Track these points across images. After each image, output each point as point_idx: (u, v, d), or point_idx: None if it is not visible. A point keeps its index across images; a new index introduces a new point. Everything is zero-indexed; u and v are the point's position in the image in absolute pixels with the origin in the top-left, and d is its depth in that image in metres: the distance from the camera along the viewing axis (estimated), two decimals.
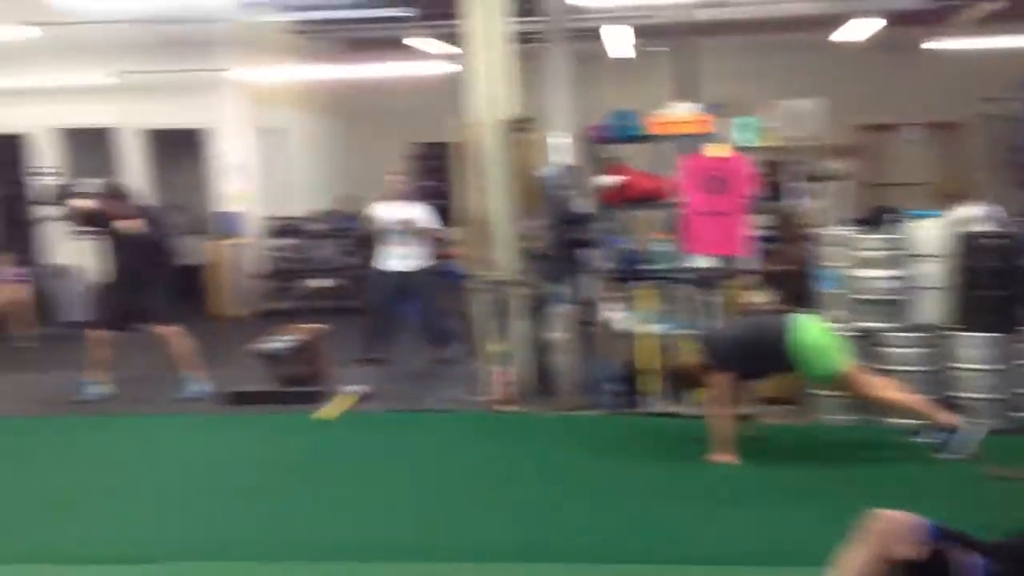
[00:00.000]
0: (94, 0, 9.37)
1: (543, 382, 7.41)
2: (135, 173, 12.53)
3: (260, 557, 4.76)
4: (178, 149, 12.68)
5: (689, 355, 6.36)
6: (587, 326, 7.55)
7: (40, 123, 12.53)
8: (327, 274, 12.18)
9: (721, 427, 5.93)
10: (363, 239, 9.62)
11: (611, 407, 6.98)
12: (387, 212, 8.60)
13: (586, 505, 5.36)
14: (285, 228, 12.61)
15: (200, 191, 12.75)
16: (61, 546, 4.96)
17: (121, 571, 4.67)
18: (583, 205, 7.90)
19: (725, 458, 5.88)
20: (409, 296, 8.59)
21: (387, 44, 13.86)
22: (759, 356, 5.95)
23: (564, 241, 7.75)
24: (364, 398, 7.65)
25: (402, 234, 8.49)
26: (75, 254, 11.95)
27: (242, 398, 7.61)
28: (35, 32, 10.19)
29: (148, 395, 8.07)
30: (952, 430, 5.78)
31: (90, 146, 12.94)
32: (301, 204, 13.36)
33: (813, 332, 5.92)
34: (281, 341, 8.00)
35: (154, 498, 5.71)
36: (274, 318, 10.91)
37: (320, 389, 7.79)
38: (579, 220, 7.82)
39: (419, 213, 8.65)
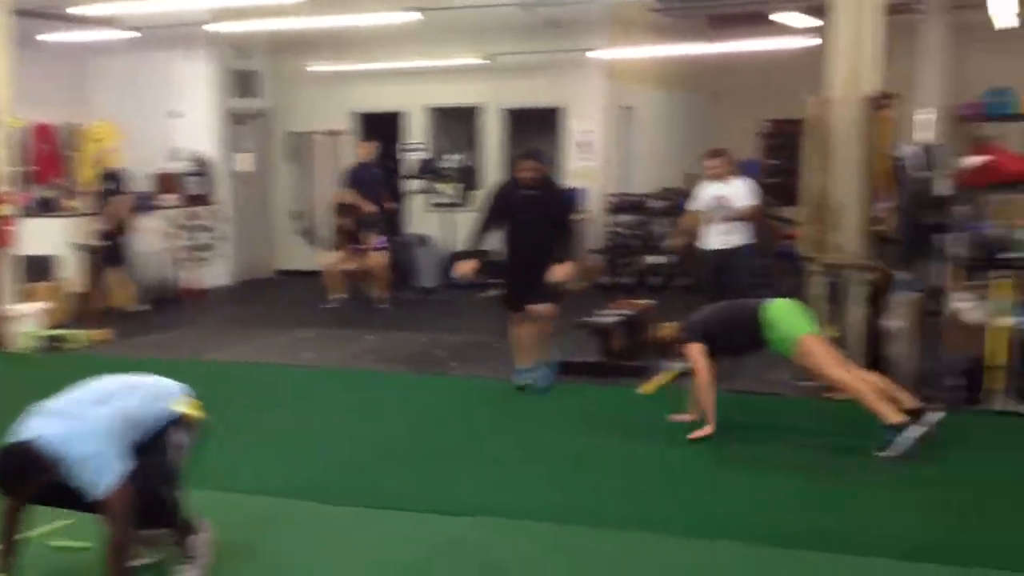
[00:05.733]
0: None
1: (877, 372, 6.97)
2: (493, 150, 13.22)
3: (596, 524, 4.87)
4: (533, 127, 13.18)
5: (664, 328, 6.61)
6: (932, 316, 7.03)
7: (413, 102, 13.53)
8: (663, 251, 12.16)
9: (708, 399, 6.11)
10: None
11: (950, 403, 6.42)
12: (707, 191, 8.44)
13: (910, 499, 5.13)
14: (627, 204, 12.73)
15: (551, 168, 13.15)
16: (404, 495, 5.31)
17: (439, 521, 4.93)
18: (942, 187, 7.36)
19: (706, 431, 6.05)
20: (729, 275, 8.38)
21: (749, 19, 13.57)
22: (736, 333, 6.18)
23: (916, 225, 7.26)
24: (686, 375, 7.57)
25: (720, 212, 8.29)
26: (434, 225, 12.86)
27: (569, 368, 7.78)
28: (416, 16, 10.96)
29: (483, 358, 8.52)
30: (899, 428, 5.63)
31: (454, 123, 13.80)
32: (646, 181, 13.45)
33: (780, 308, 6.11)
34: (610, 315, 8.11)
35: (476, 457, 6.03)
36: (611, 293, 11.11)
37: (645, 364, 7.81)
38: (935, 203, 7.31)
39: (738, 191, 8.40)
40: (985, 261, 6.89)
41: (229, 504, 4.93)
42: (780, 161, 12.98)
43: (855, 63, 7.25)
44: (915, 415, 5.77)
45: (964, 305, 6.81)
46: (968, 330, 6.74)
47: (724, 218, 8.33)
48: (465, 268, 7.31)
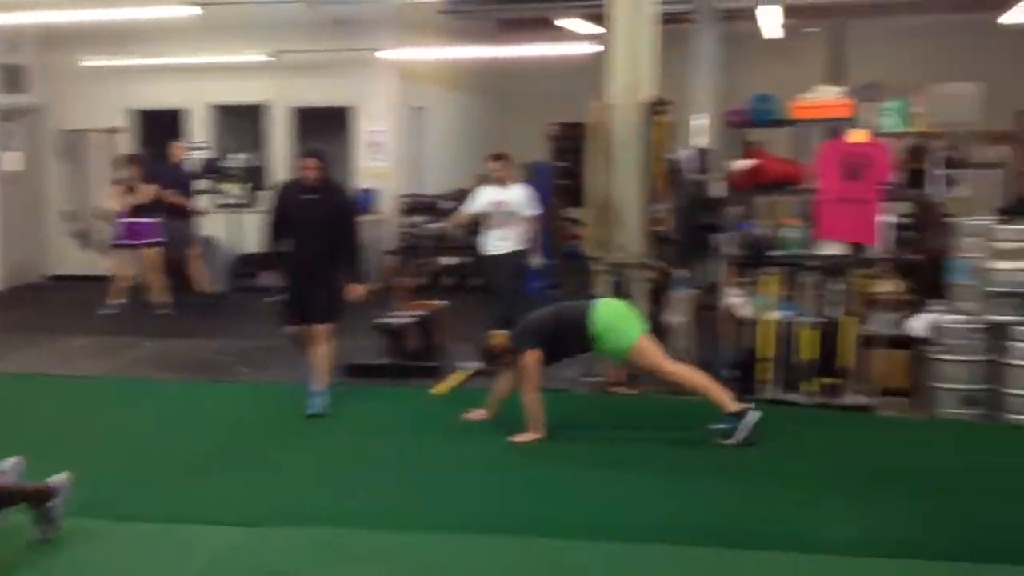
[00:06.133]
0: None
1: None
2: (281, 149, 12.96)
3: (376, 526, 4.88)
4: (323, 126, 13.00)
5: (495, 337, 6.45)
6: (709, 311, 7.40)
7: (196, 99, 13.08)
8: (456, 252, 12.24)
9: (537, 406, 6.12)
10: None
11: None
12: (486, 195, 8.40)
13: (686, 486, 5.36)
14: (419, 205, 12.77)
15: (342, 168, 13.04)
16: (186, 506, 5.15)
17: (230, 532, 4.82)
18: (715, 189, 7.74)
19: (532, 436, 6.07)
20: (509, 278, 8.36)
21: (536, 24, 13.86)
22: (564, 339, 6.22)
23: (692, 225, 7.61)
24: (479, 375, 7.67)
25: (499, 216, 8.28)
26: (219, 226, 12.48)
27: (359, 371, 7.73)
28: (195, 11, 10.61)
29: (272, 363, 8.35)
30: (739, 416, 5.91)
31: (240, 122, 13.44)
32: (439, 182, 13.52)
33: (609, 314, 6.20)
34: (402, 316, 8.11)
35: (262, 464, 5.90)
36: (404, 294, 11.09)
37: (437, 364, 7.86)
38: (709, 204, 7.68)
39: (517, 197, 8.39)
40: (755, 259, 7.30)
41: (8, 527, 4.64)
42: (568, 163, 13.28)
43: (633, 70, 7.51)
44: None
45: (737, 301, 7.19)
46: (741, 324, 7.14)
47: (506, 223, 8.31)
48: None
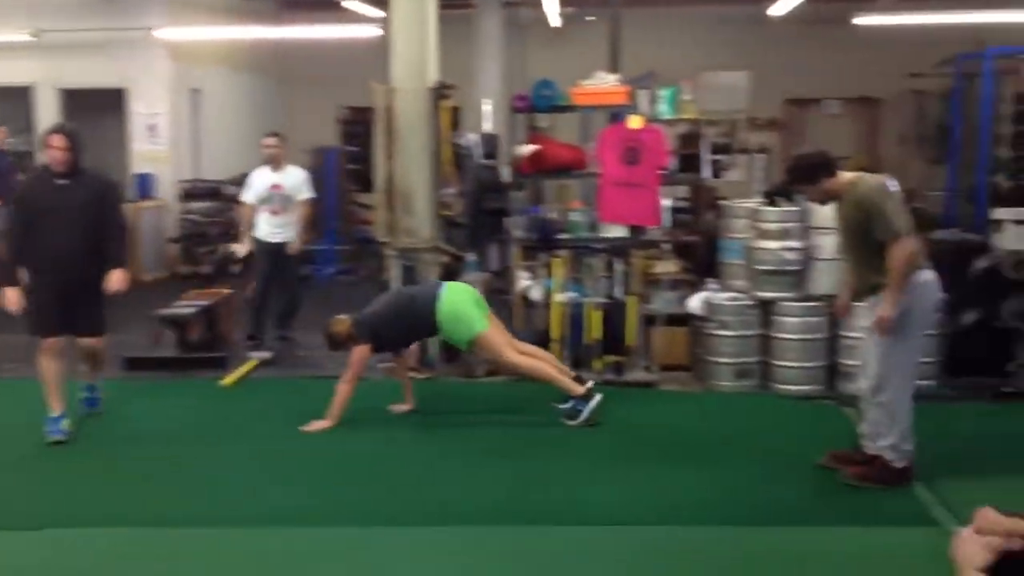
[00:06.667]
0: None
1: (452, 349, 7.33)
2: None
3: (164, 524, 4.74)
4: (96, 109, 12.35)
5: (339, 323, 6.32)
6: (501, 294, 7.52)
7: None
8: (242, 239, 11.86)
9: (345, 396, 6.10)
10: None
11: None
12: (262, 179, 8.07)
13: (479, 467, 5.44)
14: (201, 191, 12.32)
15: (117, 152, 12.44)
16: None
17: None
18: (502, 173, 7.85)
19: (324, 424, 6.05)
20: (285, 267, 8.10)
21: (321, 5, 13.63)
22: (408, 327, 6.27)
23: (481, 209, 7.70)
24: (267, 364, 7.52)
25: (275, 201, 8.01)
26: None
27: (140, 364, 7.41)
28: None
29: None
30: (585, 398, 6.10)
31: (5, 105, 12.59)
32: (222, 167, 13.08)
33: (455, 302, 6.19)
34: (185, 306, 7.82)
35: (34, 465, 5.61)
36: (188, 283, 10.71)
37: (223, 355, 7.64)
38: (497, 188, 7.79)
39: (294, 180, 8.14)
40: (543, 242, 7.46)
41: None
42: (358, 148, 13.13)
43: (416, 53, 7.49)
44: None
45: (527, 283, 7.33)
46: (532, 306, 7.29)
47: (282, 208, 8.04)
48: (11, 300, 5.76)
